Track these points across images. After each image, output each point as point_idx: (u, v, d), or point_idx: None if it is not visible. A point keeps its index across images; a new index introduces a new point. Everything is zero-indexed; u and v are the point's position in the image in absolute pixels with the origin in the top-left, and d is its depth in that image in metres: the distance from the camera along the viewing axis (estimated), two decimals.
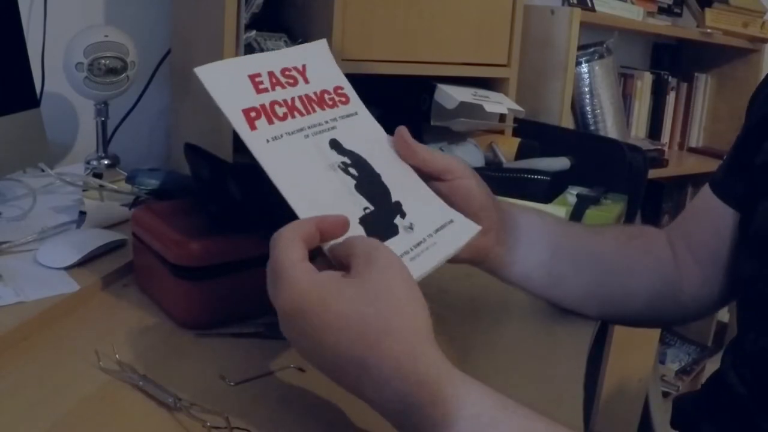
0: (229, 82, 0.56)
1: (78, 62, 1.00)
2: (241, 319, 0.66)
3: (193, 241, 0.64)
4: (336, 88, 0.63)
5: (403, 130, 0.63)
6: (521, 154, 1.33)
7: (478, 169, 1.23)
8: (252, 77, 0.58)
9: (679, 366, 2.30)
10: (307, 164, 0.56)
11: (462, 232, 0.60)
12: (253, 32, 1.08)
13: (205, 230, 0.67)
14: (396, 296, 0.46)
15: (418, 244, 0.56)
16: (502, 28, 1.39)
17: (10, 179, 0.97)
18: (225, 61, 0.58)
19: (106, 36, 1.02)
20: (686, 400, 0.77)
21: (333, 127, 0.60)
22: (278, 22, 1.18)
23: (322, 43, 0.66)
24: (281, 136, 0.56)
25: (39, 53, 1.14)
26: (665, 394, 2.02)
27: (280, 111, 0.57)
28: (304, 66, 0.62)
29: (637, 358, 1.58)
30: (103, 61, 1.01)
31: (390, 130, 0.64)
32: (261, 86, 0.58)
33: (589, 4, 1.77)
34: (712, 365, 2.27)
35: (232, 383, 0.56)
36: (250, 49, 1.07)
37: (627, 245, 0.75)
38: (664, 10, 2.13)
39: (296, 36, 1.16)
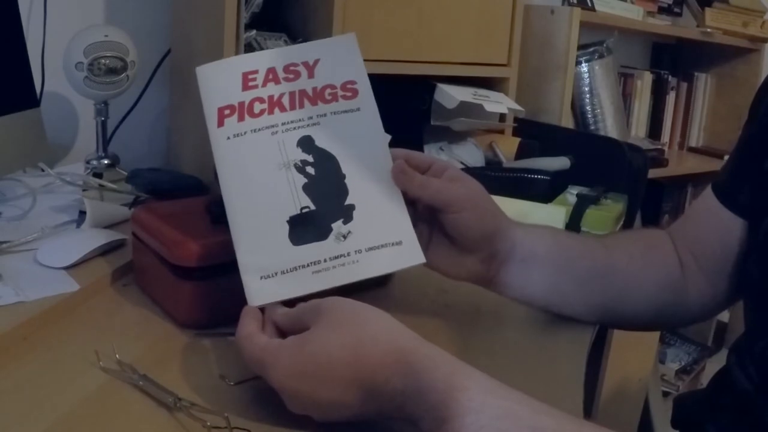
0: (219, 80, 0.58)
1: (78, 62, 1.00)
2: None
3: (193, 241, 0.64)
4: (346, 83, 0.62)
5: (401, 164, 0.61)
6: (521, 153, 1.33)
7: (478, 169, 1.24)
8: (246, 74, 0.59)
9: (679, 366, 2.30)
10: (258, 162, 0.57)
11: (403, 257, 0.59)
12: (253, 32, 1.08)
13: (205, 230, 0.67)
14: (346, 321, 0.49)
15: (337, 257, 0.56)
16: (502, 27, 1.39)
17: (10, 179, 0.97)
18: (226, 60, 0.60)
19: (106, 36, 1.02)
20: (688, 399, 0.76)
21: (315, 123, 0.60)
22: (278, 21, 1.18)
23: (350, 36, 0.65)
24: (244, 133, 0.57)
25: (39, 53, 1.14)
26: (665, 394, 2.02)
27: (258, 108, 0.58)
28: (316, 60, 0.62)
29: (637, 358, 1.58)
30: (103, 61, 1.01)
31: (390, 130, 0.64)
32: (251, 83, 0.58)
33: (589, 4, 1.77)
34: (712, 365, 2.27)
35: (232, 383, 0.56)
36: (250, 49, 1.06)
37: (640, 260, 0.73)
38: (664, 10, 2.13)
39: (296, 35, 1.16)
